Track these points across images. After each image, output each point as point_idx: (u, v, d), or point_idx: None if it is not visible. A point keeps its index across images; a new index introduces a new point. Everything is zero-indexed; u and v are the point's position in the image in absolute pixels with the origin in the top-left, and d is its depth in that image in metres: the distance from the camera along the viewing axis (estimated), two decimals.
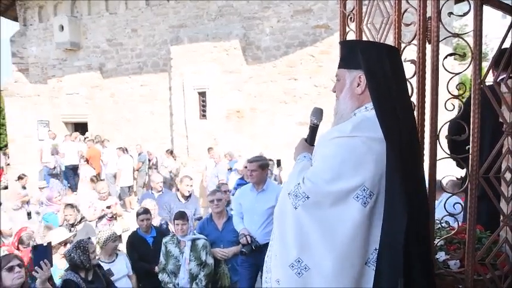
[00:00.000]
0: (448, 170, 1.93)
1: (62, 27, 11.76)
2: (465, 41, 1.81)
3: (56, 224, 5.00)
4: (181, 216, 3.87)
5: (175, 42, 10.23)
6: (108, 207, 5.40)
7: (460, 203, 1.77)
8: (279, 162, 7.80)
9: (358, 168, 1.33)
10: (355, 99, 1.50)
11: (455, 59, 7.29)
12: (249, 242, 3.65)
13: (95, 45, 11.91)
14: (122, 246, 4.58)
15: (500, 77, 1.71)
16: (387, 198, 1.33)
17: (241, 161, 8.12)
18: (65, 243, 3.95)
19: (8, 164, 14.17)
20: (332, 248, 1.32)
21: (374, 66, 1.44)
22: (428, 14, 1.67)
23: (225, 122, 9.68)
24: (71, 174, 10.53)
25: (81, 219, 4.84)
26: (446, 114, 1.83)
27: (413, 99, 1.73)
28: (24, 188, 7.62)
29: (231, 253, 3.92)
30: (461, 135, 1.69)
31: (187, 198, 5.08)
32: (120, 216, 5.60)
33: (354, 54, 1.49)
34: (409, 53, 1.80)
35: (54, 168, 10.55)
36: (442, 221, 1.81)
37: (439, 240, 1.81)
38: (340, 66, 1.56)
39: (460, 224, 1.80)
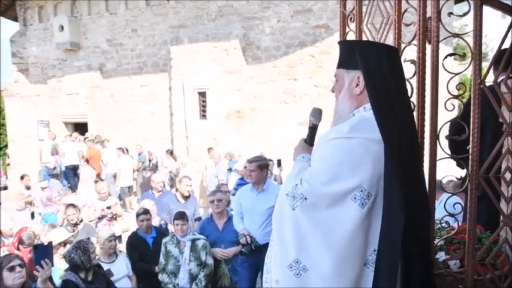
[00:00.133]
0: (448, 170, 1.93)
1: (62, 27, 11.76)
2: (465, 41, 1.82)
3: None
4: (181, 216, 3.87)
5: (175, 42, 10.23)
6: (108, 208, 5.40)
7: (460, 203, 1.77)
8: (279, 162, 7.80)
9: (356, 170, 1.33)
10: (354, 100, 1.50)
11: (455, 59, 7.30)
12: (249, 242, 3.64)
13: (95, 46, 11.91)
14: (122, 247, 4.58)
15: (500, 78, 1.71)
16: (385, 199, 1.33)
17: (241, 161, 8.12)
18: (64, 243, 3.95)
19: (8, 164, 14.18)
20: (330, 249, 1.32)
21: (372, 66, 1.43)
22: (428, 14, 1.67)
23: (225, 122, 9.69)
24: (71, 175, 10.53)
25: (81, 220, 4.84)
26: (446, 114, 1.83)
27: (413, 99, 1.73)
28: (28, 188, 7.61)
29: (231, 253, 3.92)
30: (461, 136, 1.69)
31: (186, 198, 5.08)
32: (120, 216, 5.60)
33: (352, 54, 1.49)
34: (409, 53, 1.80)
35: (54, 168, 10.56)
36: (442, 221, 1.81)
37: (439, 240, 1.81)
38: (338, 67, 1.56)
39: (460, 224, 1.80)
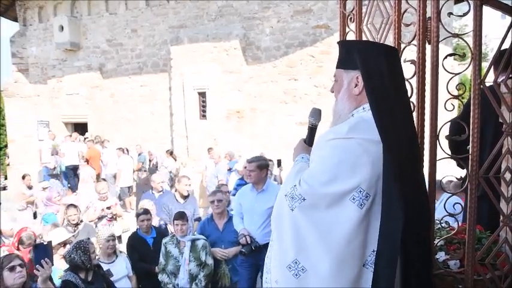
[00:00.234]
0: (448, 170, 1.93)
1: (61, 28, 11.76)
2: (465, 41, 1.82)
3: None
4: (181, 216, 3.87)
5: (175, 42, 10.23)
6: (108, 208, 5.40)
7: (460, 203, 1.77)
8: (279, 163, 7.80)
9: (354, 170, 1.33)
10: (353, 100, 1.49)
11: (455, 59, 7.31)
12: (249, 242, 3.65)
13: (94, 46, 11.92)
14: (122, 247, 4.58)
15: (500, 78, 1.71)
16: (384, 199, 1.32)
17: (241, 161, 8.12)
18: (64, 243, 3.95)
19: (8, 164, 14.18)
20: (329, 250, 1.32)
21: (371, 66, 1.43)
22: (428, 15, 1.67)
23: (225, 122, 9.69)
24: (71, 175, 10.53)
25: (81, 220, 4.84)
26: (446, 115, 1.83)
27: (413, 99, 1.73)
28: (29, 188, 7.60)
29: (231, 253, 3.92)
30: (461, 136, 1.69)
31: (185, 198, 5.07)
32: (120, 216, 5.60)
33: (351, 54, 1.49)
34: (409, 53, 1.80)
35: (54, 168, 10.56)
36: (442, 221, 1.81)
37: (439, 240, 1.81)
38: (338, 67, 1.56)
39: (460, 224, 1.80)
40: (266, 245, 1.68)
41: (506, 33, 1.65)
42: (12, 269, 2.68)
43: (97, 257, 3.45)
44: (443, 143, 1.77)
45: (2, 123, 14.97)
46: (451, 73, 1.74)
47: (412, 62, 1.72)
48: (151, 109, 11.17)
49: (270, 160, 6.97)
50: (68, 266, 3.25)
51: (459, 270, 1.72)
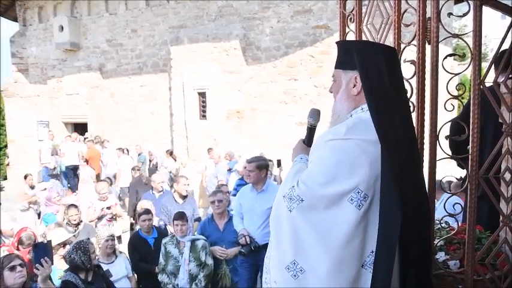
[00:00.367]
0: (448, 170, 1.93)
1: (61, 28, 11.76)
2: (465, 41, 1.82)
3: None
4: (181, 216, 3.86)
5: (175, 42, 10.23)
6: (108, 208, 5.40)
7: (459, 203, 1.77)
8: (279, 163, 7.79)
9: (352, 171, 1.32)
10: (352, 100, 1.49)
11: (454, 59, 7.31)
12: (248, 242, 3.65)
13: (94, 46, 11.92)
14: (122, 247, 4.58)
15: (500, 78, 1.71)
16: (382, 200, 1.32)
17: (241, 161, 8.12)
18: (64, 244, 3.94)
19: (8, 164, 14.17)
20: (327, 251, 1.32)
21: (369, 66, 1.42)
22: (428, 15, 1.67)
23: (225, 122, 9.69)
24: (71, 175, 10.53)
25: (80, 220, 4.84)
26: (446, 115, 1.83)
27: (413, 99, 1.73)
28: (32, 187, 7.58)
29: (232, 254, 3.92)
30: (461, 136, 1.69)
31: (184, 198, 5.07)
32: (120, 216, 5.60)
33: (349, 54, 1.48)
34: (409, 53, 1.80)
35: (54, 168, 10.55)
36: (442, 221, 1.81)
37: (439, 240, 1.81)
38: (336, 67, 1.56)
39: (459, 224, 1.80)
40: (266, 245, 1.68)
41: (506, 33, 1.66)
42: (12, 268, 2.68)
43: (97, 257, 3.45)
44: (443, 143, 1.77)
45: (2, 123, 14.96)
46: (450, 73, 1.74)
47: (412, 62, 1.72)
48: (151, 109, 11.17)
49: (270, 160, 6.97)
50: (67, 266, 3.25)
51: (459, 271, 1.72)
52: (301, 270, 1.35)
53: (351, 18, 1.98)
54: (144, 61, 11.20)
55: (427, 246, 1.46)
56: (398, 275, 1.37)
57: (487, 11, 1.66)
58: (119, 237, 5.02)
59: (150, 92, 11.15)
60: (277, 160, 7.77)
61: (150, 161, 10.38)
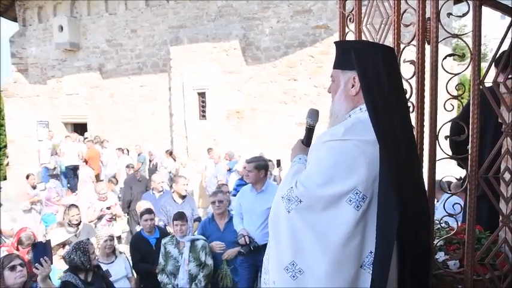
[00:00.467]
0: (448, 170, 1.93)
1: (61, 28, 11.76)
2: (464, 41, 1.82)
3: None
4: (181, 217, 3.86)
5: (175, 42, 10.23)
6: (108, 208, 5.40)
7: (459, 204, 1.77)
8: (278, 163, 7.78)
9: (351, 172, 1.32)
10: (350, 101, 1.48)
11: (454, 59, 7.31)
12: (248, 242, 3.65)
13: (94, 46, 11.91)
14: (122, 247, 4.57)
15: (500, 78, 1.71)
16: (380, 200, 1.32)
17: (241, 161, 8.12)
18: (63, 244, 3.94)
19: (7, 164, 14.17)
20: (325, 251, 1.32)
21: (367, 66, 1.42)
22: (428, 15, 1.67)
23: (225, 122, 9.69)
24: (71, 175, 10.53)
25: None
26: (446, 115, 1.83)
27: (413, 99, 1.73)
28: (34, 187, 7.58)
29: (233, 254, 3.91)
30: (460, 136, 1.69)
31: (183, 198, 5.06)
32: (120, 217, 5.60)
33: (348, 55, 1.47)
34: (409, 53, 1.80)
35: (54, 168, 10.54)
36: (441, 221, 1.81)
37: (438, 240, 1.81)
38: (334, 67, 1.55)
39: (459, 224, 1.80)
40: (265, 246, 1.68)
41: (505, 33, 1.66)
42: (12, 268, 2.68)
43: (96, 258, 3.45)
44: (443, 143, 1.77)
45: (2, 124, 14.97)
46: (450, 73, 1.74)
47: (412, 62, 1.72)
48: (151, 109, 11.17)
49: (270, 160, 6.97)
50: (67, 266, 3.25)
51: (459, 271, 1.72)
52: (300, 271, 1.35)
53: (350, 19, 1.98)
54: (143, 61, 11.20)
55: (426, 247, 1.46)
56: (396, 275, 1.37)
57: (486, 11, 1.66)
58: (119, 237, 5.02)
59: (150, 92, 11.15)
60: (277, 160, 7.76)
61: (150, 161, 10.38)
